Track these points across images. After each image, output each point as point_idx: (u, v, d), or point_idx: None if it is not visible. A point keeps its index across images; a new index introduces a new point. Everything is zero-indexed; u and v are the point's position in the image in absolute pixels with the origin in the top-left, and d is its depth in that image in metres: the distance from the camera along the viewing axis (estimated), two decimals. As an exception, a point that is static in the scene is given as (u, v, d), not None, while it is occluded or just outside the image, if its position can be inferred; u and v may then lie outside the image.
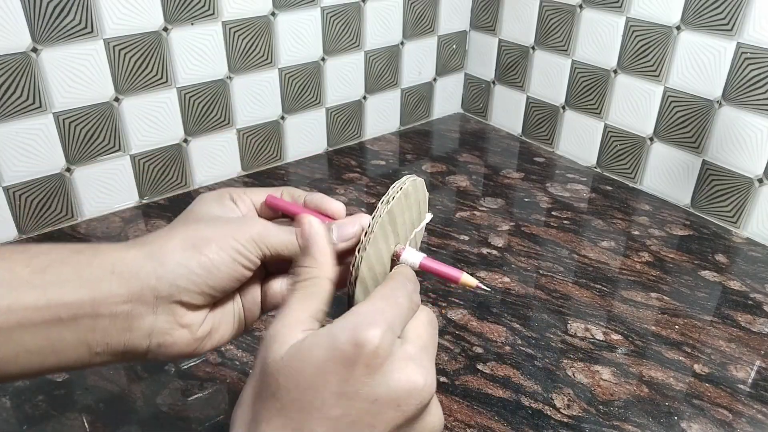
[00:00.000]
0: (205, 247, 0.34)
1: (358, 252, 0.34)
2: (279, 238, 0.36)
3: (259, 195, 0.40)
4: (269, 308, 0.40)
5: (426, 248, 0.75)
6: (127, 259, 0.33)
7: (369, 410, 0.29)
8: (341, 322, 0.30)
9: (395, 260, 0.37)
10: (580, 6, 0.89)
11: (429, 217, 0.40)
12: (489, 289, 0.45)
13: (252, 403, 0.31)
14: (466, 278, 0.37)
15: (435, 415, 0.32)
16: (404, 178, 0.36)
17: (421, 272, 0.37)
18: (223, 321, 0.37)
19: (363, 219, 0.37)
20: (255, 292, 0.39)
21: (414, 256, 0.37)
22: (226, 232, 0.35)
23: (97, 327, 0.32)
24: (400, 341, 0.31)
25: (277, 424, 0.29)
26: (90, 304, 0.32)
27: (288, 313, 0.33)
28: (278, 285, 0.39)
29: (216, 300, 0.36)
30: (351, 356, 0.29)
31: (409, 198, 0.36)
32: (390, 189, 0.35)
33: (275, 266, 0.40)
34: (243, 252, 0.35)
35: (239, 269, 0.35)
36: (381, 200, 0.35)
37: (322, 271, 0.35)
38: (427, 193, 0.39)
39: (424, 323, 0.33)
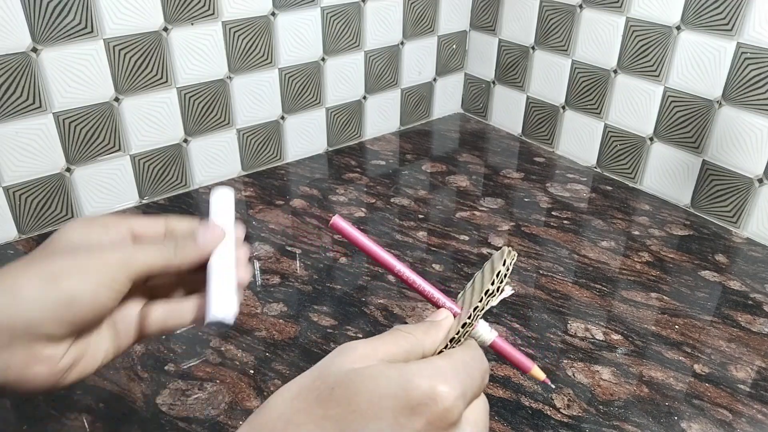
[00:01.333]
0: (65, 279, 0.31)
1: (461, 335, 0.33)
2: (146, 256, 0.34)
3: (142, 223, 0.37)
4: (147, 335, 0.37)
5: (426, 248, 0.75)
6: None
7: None
8: (418, 367, 0.28)
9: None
10: (580, 6, 0.89)
11: (509, 291, 0.36)
12: (553, 387, 0.49)
13: (294, 398, 0.29)
14: (537, 371, 0.35)
15: None
16: (503, 259, 0.34)
17: None
18: (89, 351, 0.35)
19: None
20: (129, 318, 0.36)
21: (488, 333, 0.35)
22: (87, 262, 0.32)
23: None
24: (462, 419, 0.29)
25: (308, 428, 0.27)
26: None
27: (377, 341, 0.31)
28: (160, 311, 0.37)
29: (79, 331, 0.34)
30: (418, 404, 0.27)
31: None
32: (498, 267, 0.33)
33: (157, 289, 0.38)
34: (106, 281, 0.32)
35: (103, 300, 0.33)
36: (492, 284, 0.33)
37: (428, 345, 0.33)
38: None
39: (483, 411, 0.31)
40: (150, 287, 0.38)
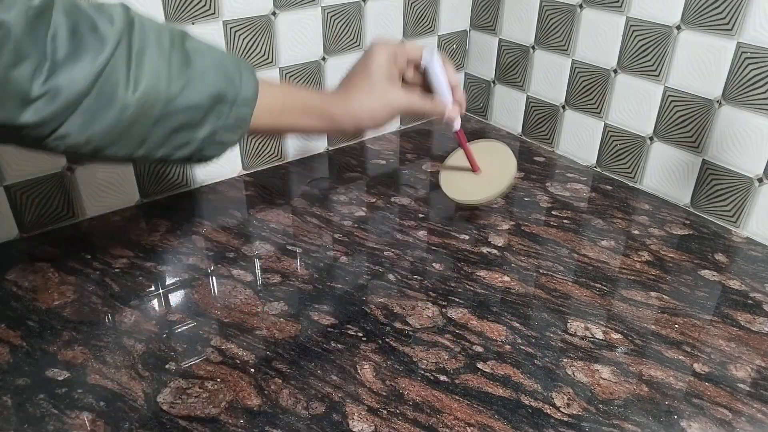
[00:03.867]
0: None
1: None
2: (419, 105, 0.66)
3: (416, 54, 0.66)
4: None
5: (426, 247, 0.75)
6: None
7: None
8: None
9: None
10: (580, 6, 0.89)
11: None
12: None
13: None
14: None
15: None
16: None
17: None
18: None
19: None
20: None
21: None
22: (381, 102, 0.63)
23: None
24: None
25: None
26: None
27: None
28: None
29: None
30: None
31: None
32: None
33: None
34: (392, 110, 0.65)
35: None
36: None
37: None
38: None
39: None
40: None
